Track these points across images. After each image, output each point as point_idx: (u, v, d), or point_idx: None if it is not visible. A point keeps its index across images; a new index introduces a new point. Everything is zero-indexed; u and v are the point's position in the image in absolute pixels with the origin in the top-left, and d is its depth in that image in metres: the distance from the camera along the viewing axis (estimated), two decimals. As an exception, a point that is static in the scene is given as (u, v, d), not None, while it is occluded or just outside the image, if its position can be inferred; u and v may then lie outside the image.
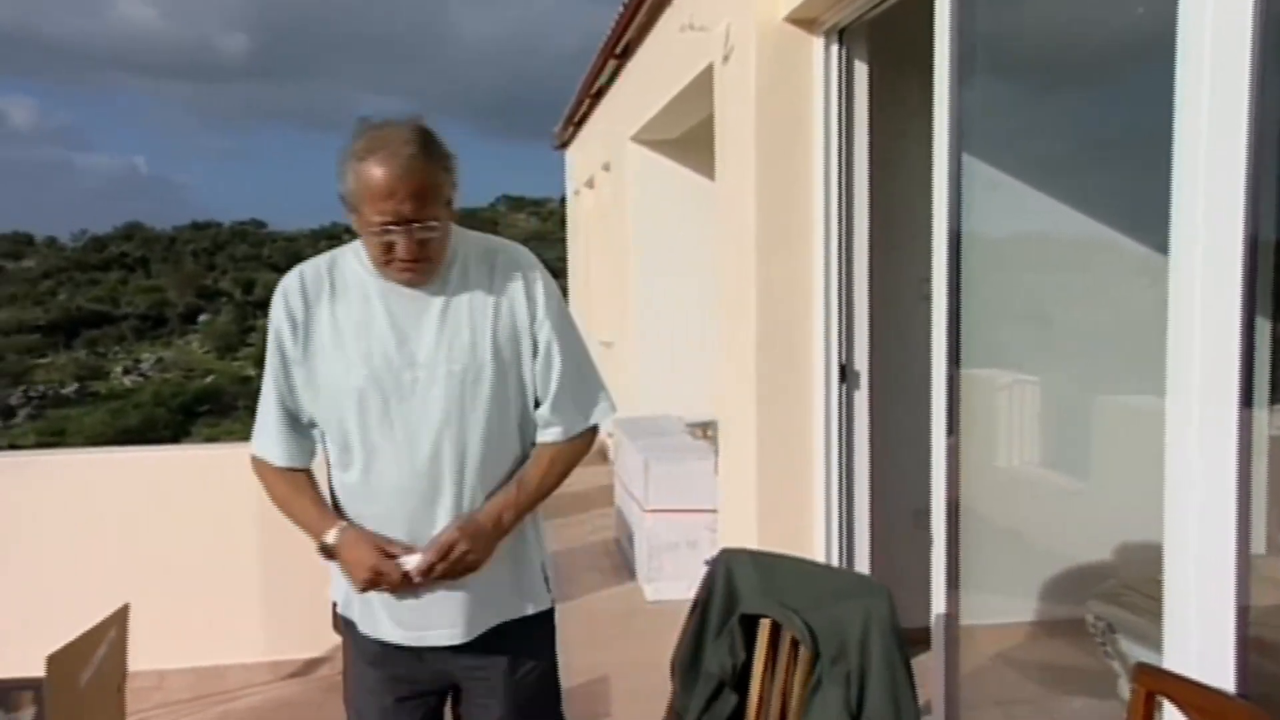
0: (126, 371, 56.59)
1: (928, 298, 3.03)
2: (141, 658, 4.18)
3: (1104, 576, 2.76)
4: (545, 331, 1.88)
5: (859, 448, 3.70)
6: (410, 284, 1.82)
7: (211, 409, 45.26)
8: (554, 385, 1.89)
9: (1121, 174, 3.03)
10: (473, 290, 1.87)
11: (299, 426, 1.96)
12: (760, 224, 3.70)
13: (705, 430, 5.50)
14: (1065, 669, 3.36)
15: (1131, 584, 2.23)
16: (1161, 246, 1.87)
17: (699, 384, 6.49)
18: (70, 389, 51.85)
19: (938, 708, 2.93)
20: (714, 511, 4.67)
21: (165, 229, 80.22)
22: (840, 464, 3.69)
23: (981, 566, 3.06)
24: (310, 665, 4.17)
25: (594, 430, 1.96)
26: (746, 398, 3.82)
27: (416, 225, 1.73)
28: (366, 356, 1.84)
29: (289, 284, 1.91)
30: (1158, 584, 2.04)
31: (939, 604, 2.91)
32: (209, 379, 53.31)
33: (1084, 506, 3.38)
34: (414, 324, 1.84)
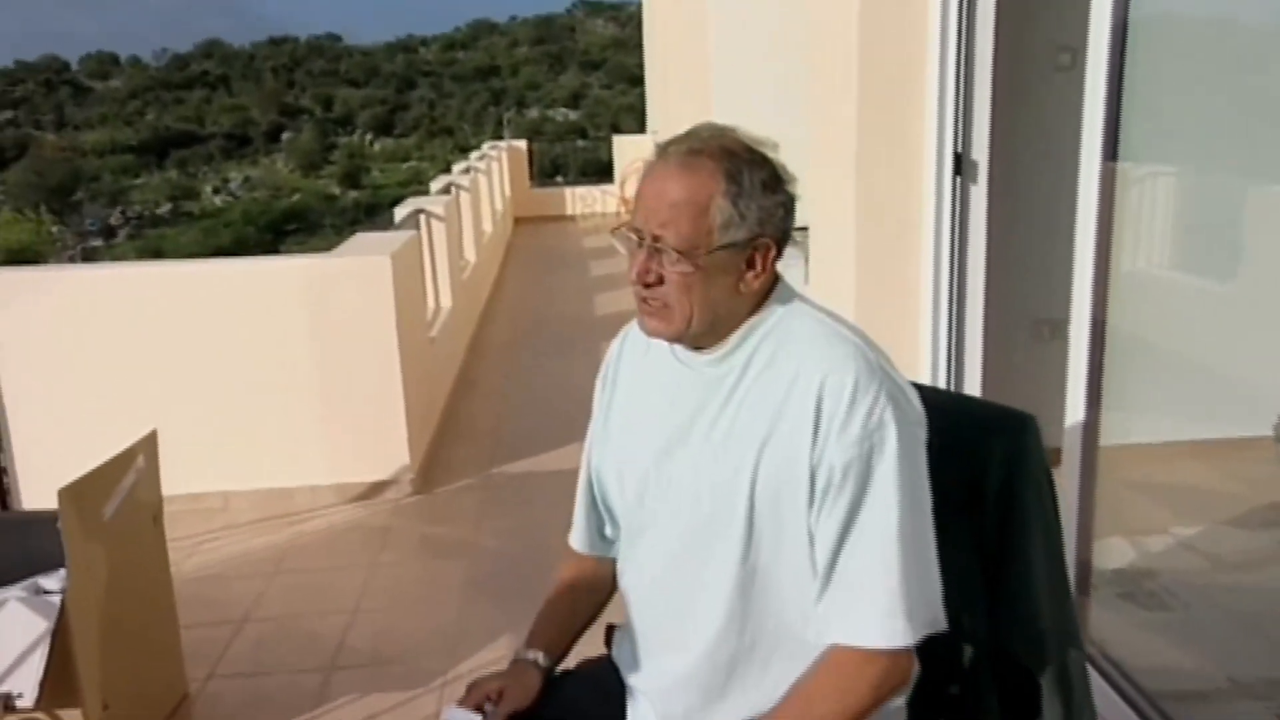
0: (216, 191, 57.80)
1: (1065, 69, 2.53)
2: (206, 479, 4.08)
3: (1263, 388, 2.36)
4: (835, 483, 1.28)
5: (973, 250, 3.23)
6: (649, 332, 1.40)
7: (299, 227, 46.00)
8: (821, 568, 1.32)
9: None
10: (754, 399, 1.35)
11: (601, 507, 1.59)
12: (865, -10, 3.13)
13: (792, 236, 5.07)
14: (1204, 492, 2.99)
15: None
16: None
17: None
18: (165, 209, 53.29)
19: (1069, 533, 2.60)
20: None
21: (244, 46, 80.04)
22: (951, 268, 3.25)
23: (1117, 382, 2.68)
24: (376, 489, 4.03)
25: (885, 659, 1.29)
26: (845, 192, 3.36)
27: (651, 241, 1.35)
28: (630, 455, 1.47)
29: (619, 339, 1.59)
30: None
31: (1075, 421, 2.54)
32: (295, 197, 54.10)
33: (1234, 314, 2.92)
34: (682, 426, 1.40)
